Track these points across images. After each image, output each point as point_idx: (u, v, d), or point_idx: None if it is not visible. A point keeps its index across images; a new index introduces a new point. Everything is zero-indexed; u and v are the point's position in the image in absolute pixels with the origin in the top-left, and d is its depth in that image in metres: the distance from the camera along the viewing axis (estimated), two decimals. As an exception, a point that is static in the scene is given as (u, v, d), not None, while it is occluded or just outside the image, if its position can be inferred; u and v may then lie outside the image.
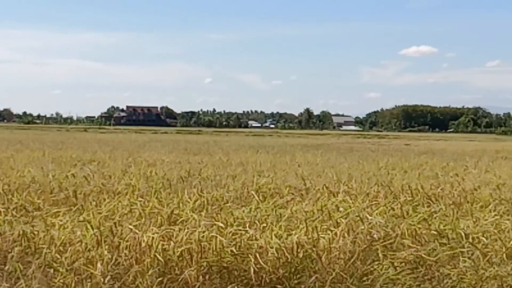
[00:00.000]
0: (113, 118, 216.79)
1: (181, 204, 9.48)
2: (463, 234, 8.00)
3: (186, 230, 7.38)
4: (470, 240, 7.82)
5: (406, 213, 9.11)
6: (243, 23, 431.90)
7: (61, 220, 8.15)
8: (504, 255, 7.43)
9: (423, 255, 7.23)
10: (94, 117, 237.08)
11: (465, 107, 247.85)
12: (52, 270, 6.75)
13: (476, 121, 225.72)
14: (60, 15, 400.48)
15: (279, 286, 6.55)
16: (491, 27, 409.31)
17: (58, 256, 6.95)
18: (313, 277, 6.58)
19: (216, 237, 7.10)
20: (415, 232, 7.94)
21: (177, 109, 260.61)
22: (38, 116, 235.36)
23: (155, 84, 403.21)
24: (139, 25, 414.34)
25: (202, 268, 6.64)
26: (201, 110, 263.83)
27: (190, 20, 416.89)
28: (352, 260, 7.03)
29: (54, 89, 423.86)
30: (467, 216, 9.56)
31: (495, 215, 9.33)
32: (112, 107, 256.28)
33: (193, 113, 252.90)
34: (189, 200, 9.86)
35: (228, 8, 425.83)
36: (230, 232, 7.44)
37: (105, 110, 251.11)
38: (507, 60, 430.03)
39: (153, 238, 7.05)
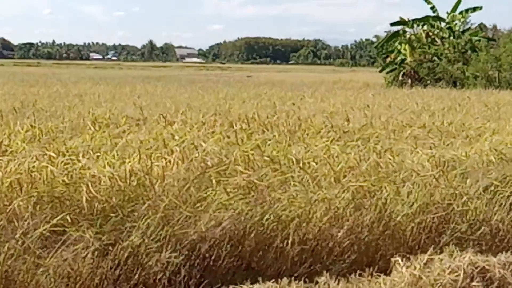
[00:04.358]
0: None
1: (12, 135, 9.20)
2: (294, 160, 8.21)
3: (16, 161, 7.17)
4: (301, 165, 8.05)
5: (241, 141, 9.25)
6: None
7: None
8: (332, 178, 7.71)
9: (255, 181, 7.36)
10: None
11: (305, 39, 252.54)
12: None
13: (316, 53, 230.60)
14: None
15: (112, 215, 6.48)
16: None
17: None
18: (146, 204, 6.59)
19: (47, 167, 6.95)
20: (248, 159, 8.06)
21: (14, 41, 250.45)
22: None
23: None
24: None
25: (33, 198, 6.48)
26: (40, 42, 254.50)
27: None
28: (186, 187, 7.07)
29: None
30: (300, 142, 9.83)
31: (326, 141, 9.63)
32: None
33: (31, 44, 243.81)
34: (20, 130, 9.58)
35: None
36: (62, 161, 7.30)
37: None
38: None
39: (-21, 169, 6.82)
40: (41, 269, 5.88)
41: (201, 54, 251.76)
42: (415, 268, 5.93)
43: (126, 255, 6.17)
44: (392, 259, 6.22)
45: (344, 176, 7.76)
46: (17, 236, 5.97)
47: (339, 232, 6.96)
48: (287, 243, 6.75)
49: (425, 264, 6.01)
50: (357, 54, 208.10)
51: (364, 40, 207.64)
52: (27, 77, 38.10)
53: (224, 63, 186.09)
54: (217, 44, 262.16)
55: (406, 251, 6.90)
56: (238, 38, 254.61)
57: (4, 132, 9.41)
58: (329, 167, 8.00)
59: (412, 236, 7.32)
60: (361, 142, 9.76)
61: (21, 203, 6.35)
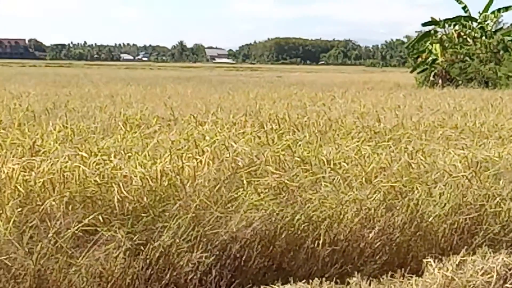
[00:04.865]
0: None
1: (44, 136, 9.28)
2: (325, 160, 8.20)
3: (48, 161, 7.22)
4: (332, 165, 8.03)
5: (271, 141, 9.25)
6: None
7: None
8: (364, 179, 7.68)
9: (286, 181, 7.35)
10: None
11: (335, 39, 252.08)
12: None
13: (346, 53, 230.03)
14: None
15: (143, 214, 6.51)
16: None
17: None
18: (177, 204, 6.61)
19: (80, 167, 6.99)
20: (279, 159, 8.06)
21: (47, 42, 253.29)
22: None
23: (22, 15, 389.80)
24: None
25: (65, 198, 6.52)
26: (72, 42, 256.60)
27: None
28: (217, 187, 7.08)
29: None
30: (330, 143, 9.80)
31: (357, 141, 9.59)
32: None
33: (63, 45, 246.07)
34: (53, 131, 9.65)
35: None
36: (94, 162, 7.34)
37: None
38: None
39: (13, 169, 6.85)
40: (73, 269, 5.91)
41: (231, 54, 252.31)
42: (447, 269, 5.90)
43: (157, 255, 6.20)
44: (424, 260, 6.20)
45: (376, 177, 7.74)
46: (49, 235, 6.01)
47: (370, 233, 6.94)
48: (318, 244, 6.74)
49: (457, 265, 5.97)
50: (388, 55, 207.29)
51: (394, 40, 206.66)
52: (59, 78, 38.44)
53: (254, 64, 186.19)
54: (247, 45, 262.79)
55: (438, 252, 6.87)
56: (268, 38, 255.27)
57: (37, 133, 9.49)
58: (360, 167, 7.98)
59: (444, 237, 7.27)
60: (392, 142, 9.72)
61: (53, 202, 6.40)
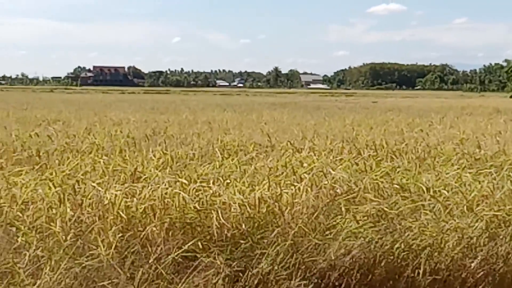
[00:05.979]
0: (79, 78, 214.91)
1: (145, 162, 9.45)
2: (424, 188, 8.06)
3: (149, 187, 7.34)
4: (432, 193, 7.89)
5: (369, 168, 9.17)
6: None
7: (23, 179, 8.00)
8: (465, 207, 7.51)
9: (385, 209, 7.27)
10: (60, 77, 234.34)
11: (432, 64, 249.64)
12: (14, 229, 6.67)
13: (443, 78, 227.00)
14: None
15: (242, 241, 6.56)
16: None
17: (20, 215, 6.85)
18: (275, 231, 6.62)
19: (180, 193, 7.08)
20: (377, 186, 7.98)
21: (145, 69, 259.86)
22: (3, 77, 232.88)
23: (122, 44, 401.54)
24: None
25: (165, 224, 6.62)
26: (169, 69, 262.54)
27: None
28: (315, 214, 7.06)
29: (19, 49, 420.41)
30: (430, 170, 9.64)
31: (457, 168, 9.41)
32: (79, 67, 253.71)
33: (160, 72, 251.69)
34: (153, 157, 9.82)
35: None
36: (194, 188, 7.42)
37: (72, 71, 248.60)
38: (474, 18, 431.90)
39: (116, 195, 7.00)
40: (173, 294, 5.99)
41: (326, 80, 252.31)
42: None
43: (256, 281, 6.21)
44: (530, 292, 6.01)
45: (477, 205, 7.56)
46: (150, 261, 6.12)
47: (472, 263, 6.78)
48: (419, 273, 6.63)
49: None
50: (486, 79, 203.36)
51: (493, 64, 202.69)
52: (157, 105, 39.13)
53: (349, 89, 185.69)
54: (342, 70, 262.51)
55: (544, 284, 6.65)
56: (363, 63, 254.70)
57: (138, 159, 9.67)
58: (461, 195, 7.81)
59: (551, 268, 7.03)
60: (494, 169, 9.46)
61: (154, 228, 6.52)
